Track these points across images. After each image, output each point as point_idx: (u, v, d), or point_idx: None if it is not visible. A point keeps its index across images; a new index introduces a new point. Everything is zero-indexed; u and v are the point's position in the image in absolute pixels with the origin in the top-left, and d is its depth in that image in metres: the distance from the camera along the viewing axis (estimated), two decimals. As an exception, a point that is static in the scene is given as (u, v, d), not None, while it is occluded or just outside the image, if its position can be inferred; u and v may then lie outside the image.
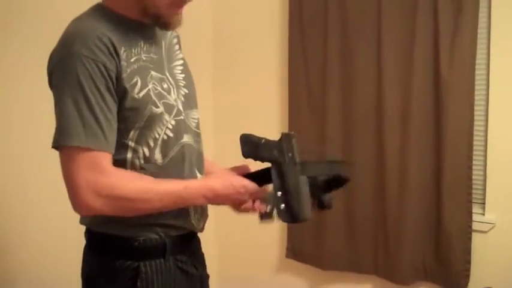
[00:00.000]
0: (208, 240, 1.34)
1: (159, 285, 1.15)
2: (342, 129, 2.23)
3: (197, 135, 1.25)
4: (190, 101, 1.23)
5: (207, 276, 1.32)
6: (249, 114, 2.50)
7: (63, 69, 1.06)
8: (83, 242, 1.22)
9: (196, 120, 1.25)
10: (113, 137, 1.09)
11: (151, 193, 1.09)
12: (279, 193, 1.10)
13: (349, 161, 1.13)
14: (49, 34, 1.59)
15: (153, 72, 1.14)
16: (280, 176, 1.11)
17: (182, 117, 1.19)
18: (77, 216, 1.17)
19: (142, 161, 1.14)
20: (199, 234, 1.29)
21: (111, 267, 1.14)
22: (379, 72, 2.12)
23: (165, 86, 1.16)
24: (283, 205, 1.10)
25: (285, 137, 1.14)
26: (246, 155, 1.18)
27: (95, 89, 1.05)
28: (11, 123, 1.78)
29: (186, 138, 1.20)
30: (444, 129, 2.00)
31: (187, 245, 1.24)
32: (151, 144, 1.14)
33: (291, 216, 1.10)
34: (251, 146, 1.16)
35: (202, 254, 1.32)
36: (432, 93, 2.03)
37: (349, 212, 2.26)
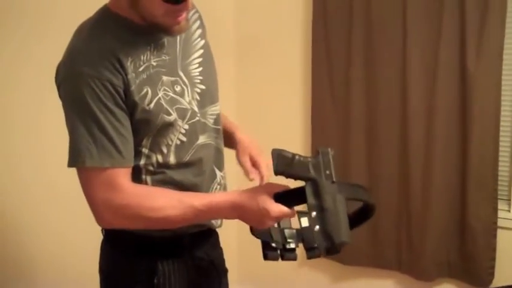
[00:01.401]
0: (229, 234, 1.33)
1: (176, 282, 1.16)
2: (366, 126, 2.22)
3: (216, 132, 1.23)
4: (207, 98, 1.20)
5: (226, 271, 1.32)
6: (271, 113, 2.47)
7: (69, 88, 1.05)
8: (100, 236, 1.24)
9: (214, 116, 1.22)
10: (129, 150, 1.08)
11: (169, 211, 1.07)
12: (314, 213, 1.03)
13: (371, 189, 1.08)
14: (49, 32, 1.57)
15: (164, 78, 1.11)
16: (316, 194, 1.05)
17: (197, 119, 1.17)
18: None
19: (156, 167, 1.13)
20: (218, 229, 1.29)
21: (128, 263, 1.16)
22: (404, 68, 2.11)
23: (178, 88, 1.13)
24: (317, 226, 1.03)
25: (322, 153, 1.09)
26: (278, 171, 1.09)
27: (103, 108, 1.03)
28: (11, 123, 1.78)
29: (202, 139, 1.18)
30: (470, 124, 2.00)
31: (205, 241, 1.24)
32: (165, 150, 1.13)
33: (327, 238, 1.02)
34: (284, 162, 1.09)
35: (221, 250, 1.32)
36: (458, 88, 2.03)
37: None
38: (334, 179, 1.07)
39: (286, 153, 1.10)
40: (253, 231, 1.14)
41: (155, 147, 1.12)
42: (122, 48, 1.06)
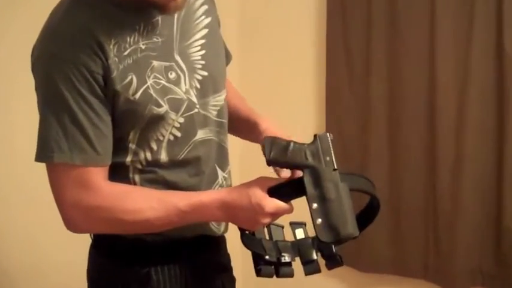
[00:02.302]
0: (235, 239, 1.33)
1: None
2: (388, 111, 2.23)
3: (219, 125, 1.22)
4: (209, 86, 1.19)
5: (233, 280, 1.33)
6: (280, 100, 2.45)
7: (41, 71, 1.06)
8: (88, 240, 1.25)
9: (218, 108, 1.22)
10: (105, 145, 1.08)
11: (148, 213, 1.08)
12: (315, 205, 1.05)
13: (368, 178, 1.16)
14: (21, 10, 1.60)
15: (155, 63, 1.10)
16: (316, 183, 1.06)
17: (196, 110, 1.16)
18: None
19: (145, 165, 1.14)
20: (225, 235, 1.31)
21: (118, 272, 1.17)
22: (432, 45, 2.10)
23: (173, 75, 1.12)
24: (320, 219, 1.05)
25: (320, 138, 1.10)
26: (271, 161, 1.10)
27: (77, 96, 1.03)
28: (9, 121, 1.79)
29: (202, 134, 1.18)
30: (507, 111, 1.99)
31: (207, 247, 1.24)
32: (154, 147, 1.13)
33: (331, 231, 1.04)
34: (278, 150, 1.10)
35: (228, 256, 1.34)
36: (494, 71, 2.00)
37: (394, 205, 2.26)
38: (336, 166, 1.08)
39: (280, 140, 1.11)
40: (244, 239, 1.14)
41: (143, 143, 1.13)
42: (104, 28, 1.05)
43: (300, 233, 1.20)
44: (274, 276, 1.14)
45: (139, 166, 1.14)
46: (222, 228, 1.27)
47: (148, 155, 1.14)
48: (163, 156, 1.14)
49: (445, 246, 2.19)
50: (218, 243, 1.30)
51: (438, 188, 2.18)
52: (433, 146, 2.18)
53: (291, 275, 1.14)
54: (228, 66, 1.34)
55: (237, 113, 1.36)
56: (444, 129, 2.14)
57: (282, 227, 1.21)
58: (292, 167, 1.12)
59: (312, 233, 1.14)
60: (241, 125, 1.34)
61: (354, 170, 2.02)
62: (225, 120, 1.26)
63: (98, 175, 1.08)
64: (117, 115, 1.09)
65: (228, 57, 1.36)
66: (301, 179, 1.09)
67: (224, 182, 1.26)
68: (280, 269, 1.14)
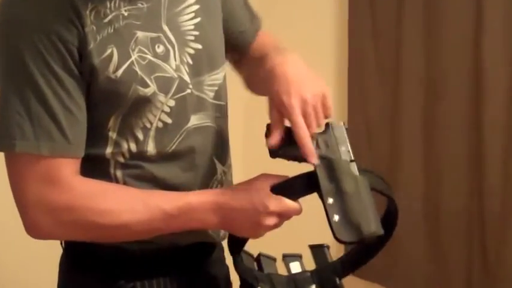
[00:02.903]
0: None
1: None
2: (423, 98, 2.21)
3: (217, 109, 1.21)
4: (204, 61, 1.18)
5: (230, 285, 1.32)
6: None
7: (3, 40, 1.04)
8: (58, 249, 1.23)
9: (216, 87, 1.21)
10: (78, 133, 1.06)
11: (127, 216, 1.07)
12: (330, 200, 1.05)
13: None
14: None
15: (139, 34, 1.09)
16: (331, 176, 1.07)
17: (188, 91, 1.15)
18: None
19: (128, 158, 1.12)
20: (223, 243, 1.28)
21: (97, 287, 1.16)
22: (480, 19, 2.07)
23: (160, 49, 1.11)
24: (337, 216, 1.04)
25: (333, 126, 1.11)
26: (276, 152, 1.10)
27: (47, 71, 1.02)
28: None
29: (196, 120, 1.17)
30: None
31: (203, 256, 1.23)
32: (140, 136, 1.12)
33: (351, 228, 1.04)
34: (284, 140, 1.09)
35: (226, 267, 1.32)
36: None
37: (431, 211, 2.23)
38: (353, 157, 1.08)
39: (286, 128, 1.09)
40: (238, 261, 1.13)
41: (126, 131, 1.11)
42: None
43: (295, 267, 1.18)
44: None
45: (121, 159, 1.12)
46: (221, 233, 1.24)
47: (133, 146, 1.12)
48: (151, 148, 1.12)
49: (492, 257, 2.15)
50: (218, 251, 1.29)
51: (485, 190, 2.16)
52: (479, 140, 2.16)
53: None
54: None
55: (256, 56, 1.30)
56: (492, 120, 2.12)
57: (274, 260, 1.20)
58: (302, 159, 1.09)
59: (309, 266, 1.16)
60: (254, 68, 1.25)
61: (383, 169, 2.09)
62: (225, 103, 1.24)
63: (68, 169, 1.06)
64: (95, 97, 1.07)
65: (255, 22, 1.36)
66: (311, 173, 1.08)
67: (224, 178, 1.24)
68: None
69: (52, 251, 1.25)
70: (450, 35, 2.16)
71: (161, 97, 1.10)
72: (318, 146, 1.09)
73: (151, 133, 1.12)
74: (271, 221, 1.07)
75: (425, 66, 2.21)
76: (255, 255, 1.18)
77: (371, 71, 2.32)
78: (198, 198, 1.09)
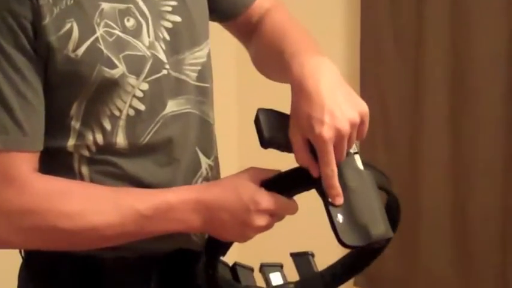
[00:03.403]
0: (231, 256, 1.30)
1: None
2: (450, 83, 2.21)
3: (201, 93, 1.19)
4: (184, 37, 1.16)
5: None
6: None
7: None
8: (17, 259, 1.21)
9: (198, 67, 1.18)
10: (35, 122, 1.05)
11: (95, 218, 1.05)
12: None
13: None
14: None
15: (105, 5, 1.07)
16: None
17: (165, 72, 1.13)
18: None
19: (95, 151, 1.10)
20: None
21: None
22: None
23: (131, 23, 1.09)
24: (341, 216, 1.02)
25: None
26: (267, 140, 1.07)
27: None
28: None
29: (174, 106, 1.15)
30: None
31: (185, 265, 1.21)
32: (108, 126, 1.09)
33: (358, 231, 1.02)
34: (277, 127, 1.08)
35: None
36: None
37: (458, 214, 2.23)
38: (357, 149, 1.07)
39: (279, 114, 1.08)
40: (213, 277, 1.12)
41: (91, 120, 1.09)
42: None
43: (276, 278, 1.16)
44: None
45: (86, 153, 1.09)
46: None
47: (99, 138, 1.09)
48: (121, 139, 1.10)
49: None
50: (200, 259, 1.22)
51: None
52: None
53: None
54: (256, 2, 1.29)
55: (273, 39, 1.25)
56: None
57: (252, 270, 1.18)
58: None
59: (292, 277, 1.14)
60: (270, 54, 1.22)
61: (402, 166, 2.12)
62: (209, 85, 1.21)
63: (25, 165, 1.04)
64: (53, 80, 1.05)
65: None
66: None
67: (210, 174, 1.21)
68: None
69: (10, 260, 1.23)
70: (479, 22, 2.17)
71: (132, 80, 1.08)
72: None
73: (121, 122, 1.09)
74: (262, 220, 1.06)
75: (452, 52, 2.22)
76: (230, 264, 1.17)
77: (387, 51, 2.32)
78: (178, 196, 1.08)
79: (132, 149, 1.11)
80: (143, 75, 1.09)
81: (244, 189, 1.06)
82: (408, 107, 2.29)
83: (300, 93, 1.05)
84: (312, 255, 1.18)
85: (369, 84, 2.35)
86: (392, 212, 1.10)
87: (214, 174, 1.22)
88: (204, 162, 1.20)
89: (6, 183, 1.02)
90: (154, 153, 1.13)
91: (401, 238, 2.20)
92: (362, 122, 1.05)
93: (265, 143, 1.07)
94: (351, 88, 1.08)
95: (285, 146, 1.08)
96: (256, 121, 1.08)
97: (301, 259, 1.17)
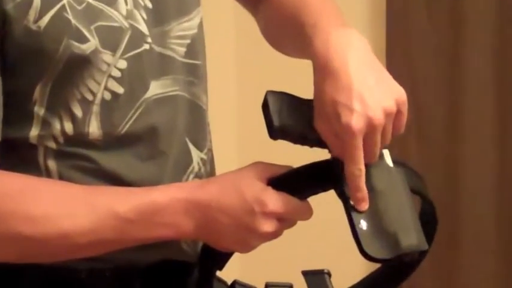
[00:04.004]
0: (231, 270, 1.28)
1: None
2: (494, 67, 2.21)
3: (191, 72, 1.17)
4: (169, 3, 1.16)
5: None
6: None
7: None
8: None
9: (187, 40, 1.17)
10: None
11: (65, 222, 1.02)
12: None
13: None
14: None
15: None
16: None
17: (146, 47, 1.10)
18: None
19: (63, 143, 1.07)
20: None
21: None
22: None
23: None
24: (364, 223, 1.00)
25: None
26: (279, 131, 1.04)
27: None
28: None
29: (159, 88, 1.13)
30: None
31: (173, 282, 1.19)
32: (78, 112, 1.06)
33: (385, 241, 1.00)
34: (291, 113, 1.03)
35: None
36: None
37: (506, 221, 2.25)
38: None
39: (293, 98, 1.05)
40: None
41: (59, 106, 1.06)
42: None
43: None
44: None
45: (53, 145, 1.06)
46: (199, 248, 1.19)
47: (68, 127, 1.06)
48: (94, 128, 1.07)
49: None
50: (193, 273, 1.20)
51: None
52: None
53: None
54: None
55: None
56: None
57: None
58: (313, 141, 1.04)
59: None
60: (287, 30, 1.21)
61: (438, 164, 2.11)
62: (201, 62, 1.20)
63: None
64: (11, 57, 1.03)
65: None
66: (328, 163, 1.03)
67: (202, 169, 1.19)
68: None
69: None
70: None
71: (107, 56, 1.06)
72: None
73: (95, 108, 1.06)
74: (268, 225, 1.02)
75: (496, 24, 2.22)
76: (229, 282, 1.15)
77: (418, 21, 2.29)
78: (166, 195, 1.05)
79: (108, 140, 1.08)
80: (120, 51, 1.07)
81: (248, 188, 1.03)
82: (444, 91, 2.29)
83: (324, 73, 1.03)
84: (329, 274, 1.15)
85: (396, 63, 2.36)
86: (427, 220, 1.09)
87: (208, 170, 1.20)
88: (196, 155, 1.18)
89: None
90: (135, 145, 1.10)
91: (437, 252, 2.20)
92: (399, 111, 1.02)
93: (275, 133, 1.04)
94: (385, 69, 1.06)
95: (298, 137, 1.05)
96: (264, 106, 1.04)
97: (315, 278, 1.15)
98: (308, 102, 1.05)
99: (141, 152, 1.11)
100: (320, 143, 1.04)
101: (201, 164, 1.19)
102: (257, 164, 1.07)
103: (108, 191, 1.07)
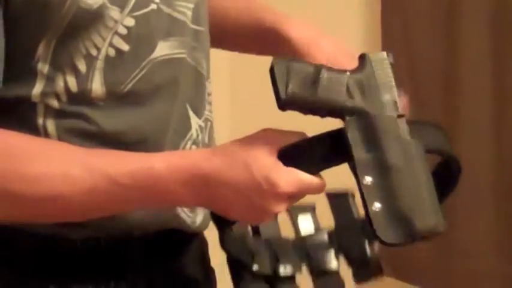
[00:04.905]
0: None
1: None
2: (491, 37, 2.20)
3: (195, 37, 1.17)
4: None
5: None
6: None
7: None
8: None
9: (192, 5, 1.16)
10: None
11: (60, 184, 1.00)
12: (368, 179, 0.98)
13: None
14: None
15: None
16: (370, 141, 0.99)
17: (154, 7, 1.09)
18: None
19: (66, 101, 1.06)
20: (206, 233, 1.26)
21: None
22: None
23: None
24: (378, 204, 0.98)
25: (373, 60, 1.02)
26: (290, 99, 1.01)
27: None
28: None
29: (166, 49, 1.12)
30: None
31: (176, 252, 1.20)
32: (82, 68, 1.05)
33: (399, 223, 0.98)
34: (300, 82, 1.00)
35: (208, 267, 1.29)
36: None
37: (505, 189, 2.25)
38: (401, 111, 1.01)
39: (303, 65, 1.02)
40: (226, 239, 1.11)
41: (63, 61, 1.05)
42: None
43: (306, 224, 1.14)
44: None
45: (55, 104, 1.05)
46: (198, 219, 1.19)
47: (72, 82, 1.06)
48: (97, 85, 1.06)
49: None
50: (198, 244, 1.24)
51: None
52: None
53: None
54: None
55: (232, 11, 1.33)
56: None
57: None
58: (325, 111, 1.02)
59: (327, 222, 1.13)
60: (243, 32, 1.30)
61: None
62: (205, 29, 1.20)
63: None
64: (13, 11, 1.01)
65: None
66: (339, 132, 1.01)
67: (200, 136, 1.19)
68: (277, 286, 1.09)
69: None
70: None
71: (114, 12, 1.05)
72: (349, 92, 1.01)
73: (98, 64, 1.06)
74: (280, 206, 1.00)
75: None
76: None
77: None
78: (166, 163, 1.01)
79: (110, 99, 1.07)
80: (128, 8, 1.06)
81: (257, 163, 0.99)
82: (441, 56, 2.29)
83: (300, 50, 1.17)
84: (353, 196, 1.15)
85: (391, 32, 2.40)
86: (448, 173, 1.08)
87: (205, 139, 1.20)
88: (195, 122, 1.18)
89: None
90: (137, 106, 1.10)
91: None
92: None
93: (284, 102, 1.00)
94: None
95: (309, 106, 1.02)
96: (272, 73, 1.00)
97: (339, 200, 1.15)
98: (316, 67, 1.04)
99: (143, 113, 1.11)
100: (332, 112, 1.02)
101: (199, 131, 1.19)
102: (267, 134, 1.04)
103: (106, 154, 1.06)
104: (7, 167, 1.01)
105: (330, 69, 1.03)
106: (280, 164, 0.99)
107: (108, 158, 1.04)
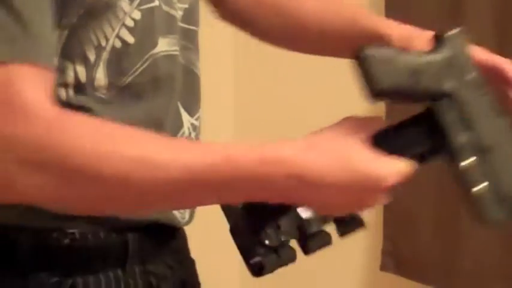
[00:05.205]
0: (219, 238, 1.26)
1: None
2: None
3: (187, 36, 1.19)
4: None
5: (198, 285, 1.31)
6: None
7: None
8: None
9: (185, 5, 1.17)
10: (48, 31, 0.96)
11: (134, 170, 0.92)
12: (470, 160, 0.96)
13: None
14: None
15: None
16: (464, 122, 0.96)
17: (156, 3, 1.10)
18: None
19: (74, 92, 1.05)
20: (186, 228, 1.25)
21: (17, 282, 1.09)
22: None
23: None
24: (482, 185, 0.95)
25: (450, 39, 0.99)
26: (385, 91, 0.96)
27: None
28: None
29: (164, 46, 1.13)
30: None
31: (163, 246, 1.20)
32: (91, 57, 1.05)
33: (503, 202, 0.96)
34: (396, 70, 0.96)
35: (191, 261, 1.30)
36: None
37: None
38: (485, 89, 0.99)
39: (392, 51, 1.01)
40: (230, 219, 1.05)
41: (74, 50, 1.05)
42: None
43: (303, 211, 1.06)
44: None
45: (63, 95, 1.04)
46: (187, 215, 1.20)
47: (81, 71, 1.05)
48: (101, 75, 1.06)
49: None
50: (182, 239, 1.26)
51: None
52: None
53: (293, 258, 1.04)
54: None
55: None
56: None
57: None
58: (419, 97, 0.99)
59: None
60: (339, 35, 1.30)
61: None
62: (196, 28, 1.21)
63: (38, 86, 0.92)
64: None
65: None
66: (428, 116, 0.98)
67: (193, 135, 1.19)
68: (281, 253, 1.03)
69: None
70: None
71: (124, 3, 1.05)
72: (440, 75, 0.98)
73: (104, 54, 1.06)
74: (383, 199, 0.97)
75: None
76: None
77: None
78: (257, 154, 0.93)
79: (111, 89, 1.08)
80: (137, 1, 1.07)
81: (358, 160, 0.94)
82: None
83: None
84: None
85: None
86: None
87: (196, 135, 1.21)
88: (186, 120, 1.19)
89: (16, 109, 0.91)
90: (136, 98, 1.10)
91: (438, 212, 2.23)
92: None
93: (377, 94, 0.96)
94: None
95: (404, 95, 0.99)
96: (361, 63, 0.95)
97: None
98: (398, 52, 1.02)
99: (142, 107, 1.11)
100: (425, 97, 0.99)
101: (191, 129, 1.20)
102: (352, 123, 0.99)
103: (178, 140, 1.09)
104: (80, 143, 0.93)
105: (417, 53, 1.01)
106: (378, 156, 0.95)
107: (179, 143, 1.05)
